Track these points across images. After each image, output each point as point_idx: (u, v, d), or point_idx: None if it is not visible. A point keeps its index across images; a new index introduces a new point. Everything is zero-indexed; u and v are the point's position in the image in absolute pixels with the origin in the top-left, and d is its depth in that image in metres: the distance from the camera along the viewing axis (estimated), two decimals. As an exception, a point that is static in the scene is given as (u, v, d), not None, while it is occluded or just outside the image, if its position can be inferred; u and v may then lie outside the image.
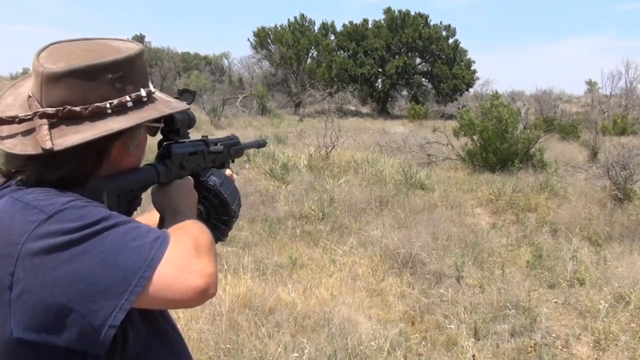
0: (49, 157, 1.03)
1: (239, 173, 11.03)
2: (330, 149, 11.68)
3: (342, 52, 44.43)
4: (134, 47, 1.16)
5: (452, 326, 4.55)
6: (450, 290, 5.29)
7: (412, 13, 43.31)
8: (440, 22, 44.55)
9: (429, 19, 43.79)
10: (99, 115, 1.06)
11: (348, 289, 5.38)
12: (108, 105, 1.07)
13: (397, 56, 42.50)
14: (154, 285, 0.95)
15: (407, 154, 14.18)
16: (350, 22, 44.90)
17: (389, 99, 45.09)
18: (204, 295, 1.00)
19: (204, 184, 1.44)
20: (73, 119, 1.05)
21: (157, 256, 0.96)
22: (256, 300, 4.78)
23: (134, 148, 1.19)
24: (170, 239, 1.01)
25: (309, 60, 44.84)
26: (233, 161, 1.74)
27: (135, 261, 0.95)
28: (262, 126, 24.43)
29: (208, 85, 33.61)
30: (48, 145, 1.00)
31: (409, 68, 42.31)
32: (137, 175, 1.21)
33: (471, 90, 43.83)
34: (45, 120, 1.03)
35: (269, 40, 45.56)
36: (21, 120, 1.04)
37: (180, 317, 4.22)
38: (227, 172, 1.56)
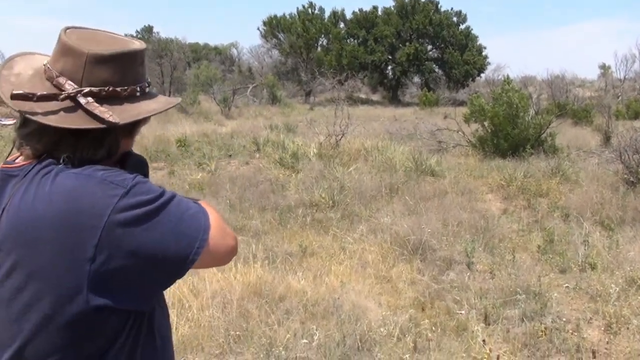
0: (96, 134, 1.12)
1: (249, 162, 11.06)
2: (340, 137, 11.65)
3: (352, 39, 44.24)
4: (140, 41, 1.25)
5: (462, 312, 4.55)
6: (460, 275, 5.28)
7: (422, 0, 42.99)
8: (451, 8, 44.24)
9: (439, 5, 43.50)
10: (132, 97, 1.17)
11: (358, 276, 5.38)
12: (138, 89, 1.19)
13: (407, 43, 42.27)
14: (209, 246, 1.12)
15: (418, 141, 14.14)
16: (360, 10, 44.74)
17: (400, 86, 44.89)
18: (235, 252, 1.21)
19: None
20: (113, 99, 1.14)
21: (207, 224, 1.13)
22: (266, 288, 4.80)
23: (138, 132, 1.29)
24: (207, 209, 1.18)
25: (318, 49, 44.66)
26: None
27: (196, 228, 1.11)
28: (273, 115, 24.43)
29: (218, 75, 33.60)
30: (114, 119, 1.09)
31: (420, 55, 42.07)
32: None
33: (483, 75, 43.50)
34: (91, 98, 1.10)
35: (279, 29, 45.41)
36: (65, 98, 1.09)
37: (192, 306, 4.25)
38: None
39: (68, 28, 1.17)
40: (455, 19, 43.83)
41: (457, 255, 5.82)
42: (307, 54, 43.75)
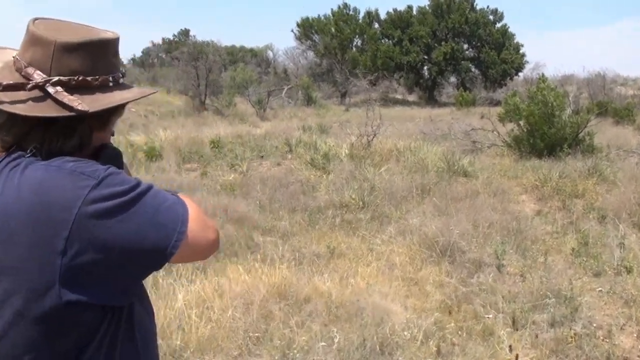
0: (65, 124, 1.10)
1: (280, 163, 11.08)
2: (371, 137, 11.58)
3: (387, 40, 44.01)
4: (114, 31, 1.23)
5: (490, 315, 4.45)
6: (489, 278, 5.18)
7: (458, -2, 42.49)
8: (487, 7, 43.61)
9: (475, 4, 42.91)
10: (104, 86, 1.15)
11: (385, 278, 5.32)
12: (111, 79, 1.16)
13: (443, 43, 41.84)
14: (187, 239, 1.08)
15: (452, 141, 13.96)
16: (394, 10, 44.46)
17: (436, 86, 44.47)
18: (216, 246, 1.18)
19: None
20: (84, 89, 1.11)
21: (186, 216, 1.10)
22: (291, 289, 4.78)
23: (113, 125, 1.26)
24: (185, 201, 1.14)
25: (353, 50, 44.55)
26: None
27: (173, 219, 1.08)
28: (307, 117, 24.47)
29: (254, 77, 33.87)
30: (82, 107, 1.07)
31: (456, 54, 41.61)
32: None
33: (521, 74, 42.76)
34: (60, 88, 1.08)
35: (313, 31, 45.48)
36: (33, 87, 1.07)
37: (214, 306, 4.26)
38: None
39: (37, 19, 1.15)
40: (491, 17, 43.19)
41: (487, 257, 5.70)
42: (341, 54, 43.71)
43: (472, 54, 43.74)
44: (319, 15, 46.02)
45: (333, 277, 5.26)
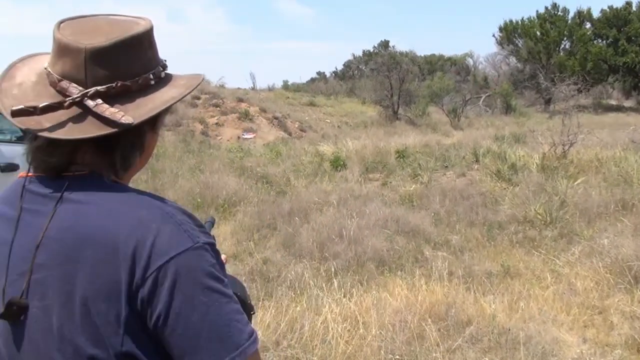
0: (107, 140, 1.01)
1: (465, 174, 10.63)
2: (567, 147, 10.60)
3: (600, 40, 40.43)
4: (146, 18, 1.11)
5: (688, 359, 3.74)
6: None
7: (687, -11, 37.63)
8: None
9: None
10: (146, 87, 1.06)
11: (563, 304, 4.76)
12: (152, 77, 1.06)
13: (667, 40, 37.31)
14: None
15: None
16: (610, 7, 40.61)
17: (658, 89, 39.79)
18: None
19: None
20: (123, 95, 1.02)
21: (249, 350, 0.97)
22: (454, 309, 4.48)
23: (163, 123, 1.17)
24: (258, 340, 1.01)
25: (560, 53, 41.62)
26: None
27: (235, 342, 0.96)
28: (505, 125, 23.34)
29: (451, 86, 33.21)
30: (126, 119, 0.98)
31: (684, 52, 36.83)
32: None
33: None
34: (99, 100, 0.99)
35: (516, 35, 43.38)
36: (70, 104, 0.99)
37: (366, 322, 4.13)
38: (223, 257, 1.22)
39: (62, 21, 1.05)
40: None
41: (696, 288, 4.84)
42: (547, 59, 41.07)
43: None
44: (522, 18, 43.81)
45: (503, 299, 4.84)
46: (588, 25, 42.09)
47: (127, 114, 0.98)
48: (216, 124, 19.26)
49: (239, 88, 28.27)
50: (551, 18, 42.27)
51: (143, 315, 0.94)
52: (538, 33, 41.54)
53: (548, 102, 36.56)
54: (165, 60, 1.13)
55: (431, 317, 4.35)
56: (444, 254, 6.19)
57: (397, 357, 3.67)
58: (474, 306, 4.62)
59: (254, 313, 1.34)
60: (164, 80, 1.10)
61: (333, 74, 59.41)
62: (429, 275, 5.41)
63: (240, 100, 21.93)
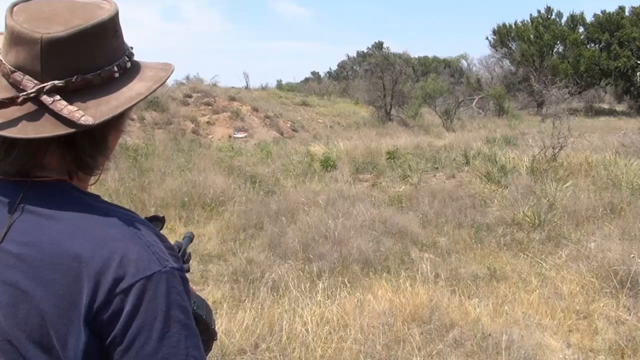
0: (70, 141, 0.92)
1: (455, 176, 10.59)
2: (557, 150, 10.58)
3: (593, 44, 40.55)
4: (111, 1, 1.00)
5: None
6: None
7: (679, -6, 37.75)
8: None
9: (701, -1, 37.78)
10: (109, 81, 0.95)
11: (548, 308, 4.71)
12: (116, 68, 0.95)
13: (659, 45, 37.42)
14: None
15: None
16: (603, 12, 40.75)
17: (650, 94, 39.89)
18: None
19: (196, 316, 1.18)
20: (84, 90, 0.92)
21: None
22: (438, 312, 4.42)
23: (121, 131, 1.05)
24: None
25: (553, 56, 41.70)
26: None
27: None
28: (497, 127, 23.33)
29: (444, 87, 33.18)
30: (86, 120, 0.87)
31: (675, 57, 36.98)
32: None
33: None
34: (57, 96, 0.89)
35: (509, 38, 43.44)
36: (24, 101, 0.88)
37: (348, 325, 4.07)
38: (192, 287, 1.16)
39: (15, 4, 0.93)
40: None
41: (681, 293, 4.80)
42: (540, 62, 41.14)
43: (695, 57, 38.56)
44: (516, 22, 43.89)
45: (488, 303, 4.79)
46: (581, 29, 42.22)
47: (87, 113, 0.88)
48: (207, 122, 19.17)
49: (232, 87, 28.18)
50: (545, 22, 42.37)
51: (104, 340, 0.86)
52: (532, 36, 41.62)
53: (541, 105, 36.57)
54: (131, 48, 1.03)
55: (415, 320, 4.30)
56: (431, 256, 6.16)
57: (378, 360, 3.61)
58: (458, 309, 4.57)
59: (215, 339, 1.27)
60: (129, 71, 0.99)
61: (327, 75, 59.35)
62: (414, 277, 5.35)
63: (233, 99, 21.85)
